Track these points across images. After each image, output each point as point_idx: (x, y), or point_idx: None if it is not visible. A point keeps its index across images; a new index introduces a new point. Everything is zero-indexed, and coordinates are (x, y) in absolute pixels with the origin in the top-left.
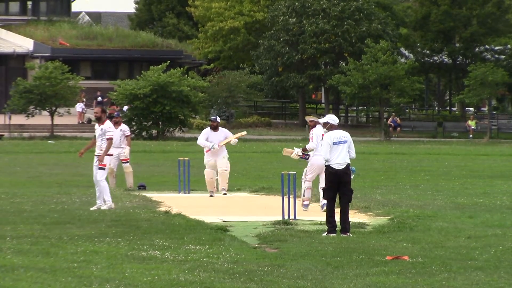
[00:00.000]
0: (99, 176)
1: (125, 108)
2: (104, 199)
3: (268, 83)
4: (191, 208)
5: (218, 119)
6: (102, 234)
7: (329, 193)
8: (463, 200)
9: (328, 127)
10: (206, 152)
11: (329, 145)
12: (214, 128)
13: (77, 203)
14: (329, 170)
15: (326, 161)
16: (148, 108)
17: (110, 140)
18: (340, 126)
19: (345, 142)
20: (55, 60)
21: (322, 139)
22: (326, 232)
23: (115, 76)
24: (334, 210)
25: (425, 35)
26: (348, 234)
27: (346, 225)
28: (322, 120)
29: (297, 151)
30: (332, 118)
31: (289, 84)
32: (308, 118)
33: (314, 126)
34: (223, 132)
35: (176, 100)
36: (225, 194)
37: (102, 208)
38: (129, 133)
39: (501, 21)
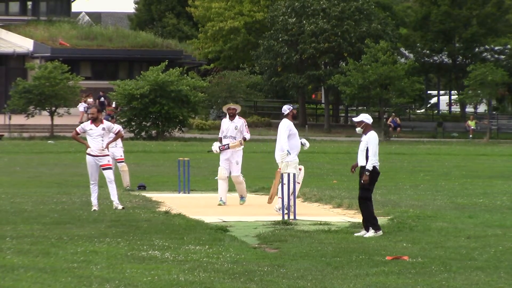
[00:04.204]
0: (111, 175)
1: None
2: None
3: (268, 83)
4: (191, 208)
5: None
6: (102, 234)
7: (370, 194)
8: (463, 200)
9: (363, 126)
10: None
11: (377, 146)
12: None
13: (77, 203)
14: (376, 171)
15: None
16: (147, 108)
17: (120, 132)
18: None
19: None
20: (55, 60)
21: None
22: (373, 231)
23: (115, 76)
24: None
25: (425, 35)
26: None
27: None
28: (356, 119)
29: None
30: (368, 117)
31: (288, 84)
32: (225, 107)
33: (234, 115)
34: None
35: (175, 100)
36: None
37: (116, 205)
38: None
39: (501, 21)
